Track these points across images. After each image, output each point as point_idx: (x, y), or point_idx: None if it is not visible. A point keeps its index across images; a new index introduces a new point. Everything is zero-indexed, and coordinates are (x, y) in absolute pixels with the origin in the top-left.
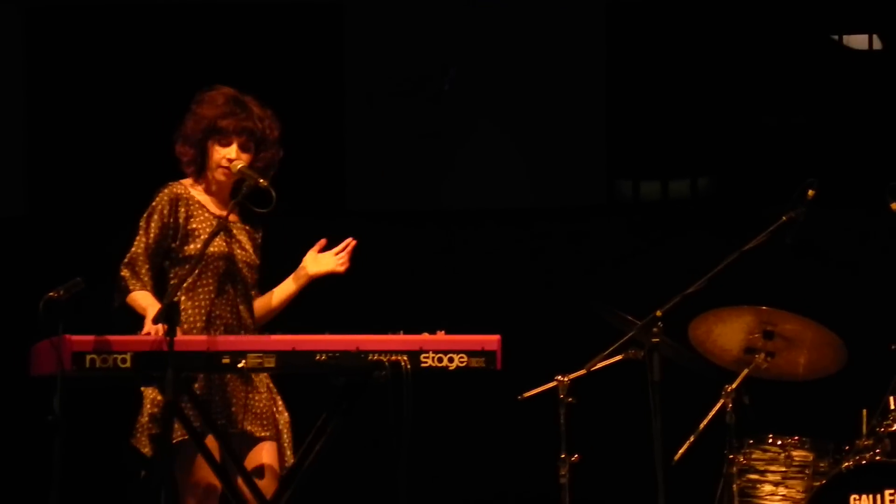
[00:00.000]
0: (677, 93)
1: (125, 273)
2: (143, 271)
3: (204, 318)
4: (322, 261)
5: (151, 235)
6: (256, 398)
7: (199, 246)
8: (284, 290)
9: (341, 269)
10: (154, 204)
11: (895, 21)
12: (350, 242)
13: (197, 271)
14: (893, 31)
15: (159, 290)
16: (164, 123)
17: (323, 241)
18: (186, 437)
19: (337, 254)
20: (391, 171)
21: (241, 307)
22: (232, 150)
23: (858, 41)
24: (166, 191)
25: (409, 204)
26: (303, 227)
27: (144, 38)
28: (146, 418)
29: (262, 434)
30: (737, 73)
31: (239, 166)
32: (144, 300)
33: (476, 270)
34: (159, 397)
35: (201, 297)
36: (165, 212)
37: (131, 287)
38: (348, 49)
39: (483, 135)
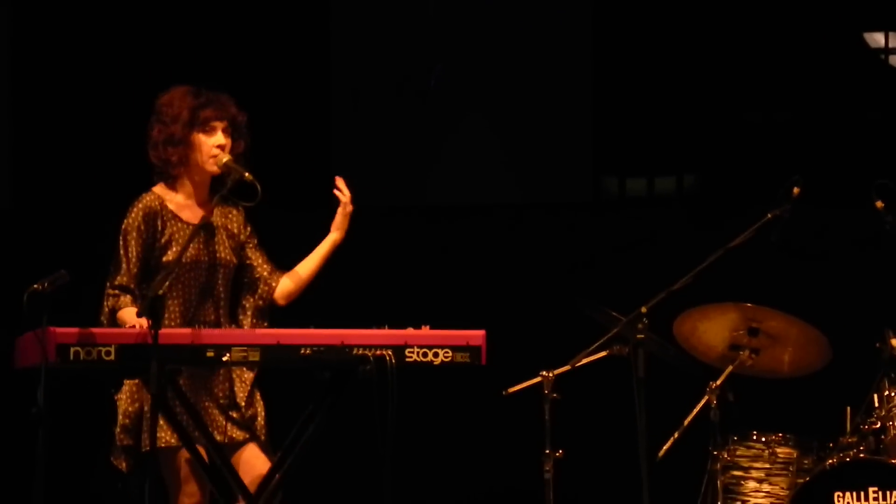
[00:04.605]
0: (664, 89)
1: (111, 300)
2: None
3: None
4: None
5: (133, 255)
6: (234, 399)
7: (175, 253)
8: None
9: (350, 206)
10: (129, 221)
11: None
12: (336, 180)
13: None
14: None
15: None
16: (150, 118)
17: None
18: (172, 444)
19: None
20: (377, 166)
21: (211, 311)
22: (219, 137)
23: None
24: (139, 206)
25: (394, 199)
26: (288, 222)
27: (131, 31)
28: (119, 429)
29: (242, 437)
30: (723, 70)
31: (224, 160)
32: (131, 316)
33: (461, 266)
34: (130, 408)
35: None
36: (142, 228)
37: (118, 305)
38: (334, 44)
39: (469, 131)
